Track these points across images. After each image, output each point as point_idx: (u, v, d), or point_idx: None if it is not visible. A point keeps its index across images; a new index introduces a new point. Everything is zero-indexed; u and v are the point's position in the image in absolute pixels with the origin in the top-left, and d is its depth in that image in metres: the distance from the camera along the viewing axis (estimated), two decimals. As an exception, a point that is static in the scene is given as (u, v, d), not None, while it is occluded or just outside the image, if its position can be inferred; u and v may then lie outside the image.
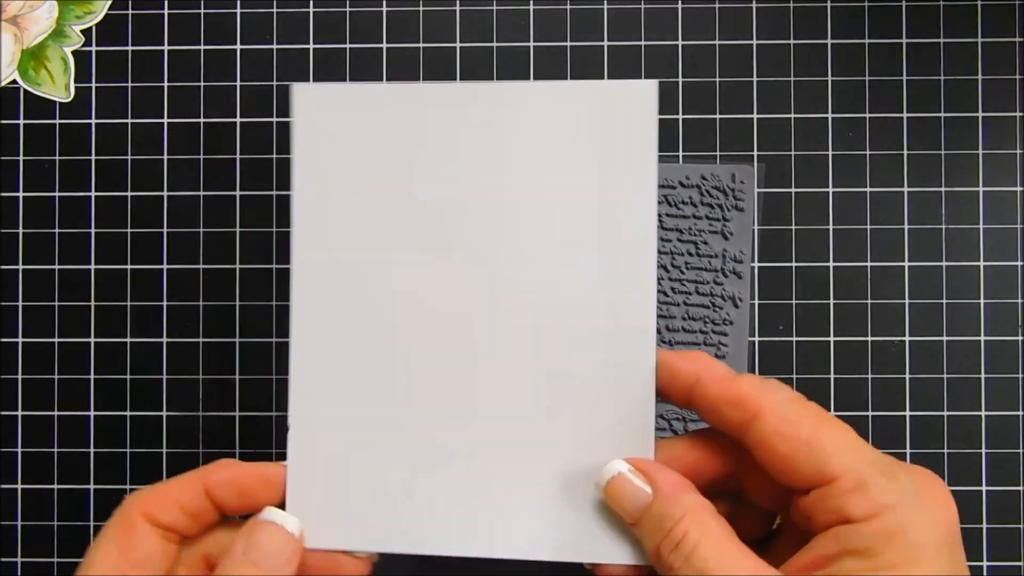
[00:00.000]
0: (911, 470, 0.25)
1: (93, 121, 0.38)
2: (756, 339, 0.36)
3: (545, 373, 0.27)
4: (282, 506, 0.27)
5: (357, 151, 0.28)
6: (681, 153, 0.37)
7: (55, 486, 0.37)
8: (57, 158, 0.38)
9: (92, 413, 0.37)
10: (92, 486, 0.37)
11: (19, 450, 0.38)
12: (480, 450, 0.27)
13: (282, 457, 0.28)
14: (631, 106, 0.27)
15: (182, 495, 0.26)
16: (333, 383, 0.28)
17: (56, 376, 0.38)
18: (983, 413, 0.36)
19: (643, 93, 0.28)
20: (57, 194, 0.38)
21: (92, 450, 0.37)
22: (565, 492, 0.27)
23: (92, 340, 0.37)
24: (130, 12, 0.38)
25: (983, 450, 0.36)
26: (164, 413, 0.37)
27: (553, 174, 0.28)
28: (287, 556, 0.26)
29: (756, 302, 0.37)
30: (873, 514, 0.23)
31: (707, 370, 0.27)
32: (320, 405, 0.28)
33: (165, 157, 0.38)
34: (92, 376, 0.37)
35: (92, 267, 0.37)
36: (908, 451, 0.36)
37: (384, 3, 0.38)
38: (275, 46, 0.38)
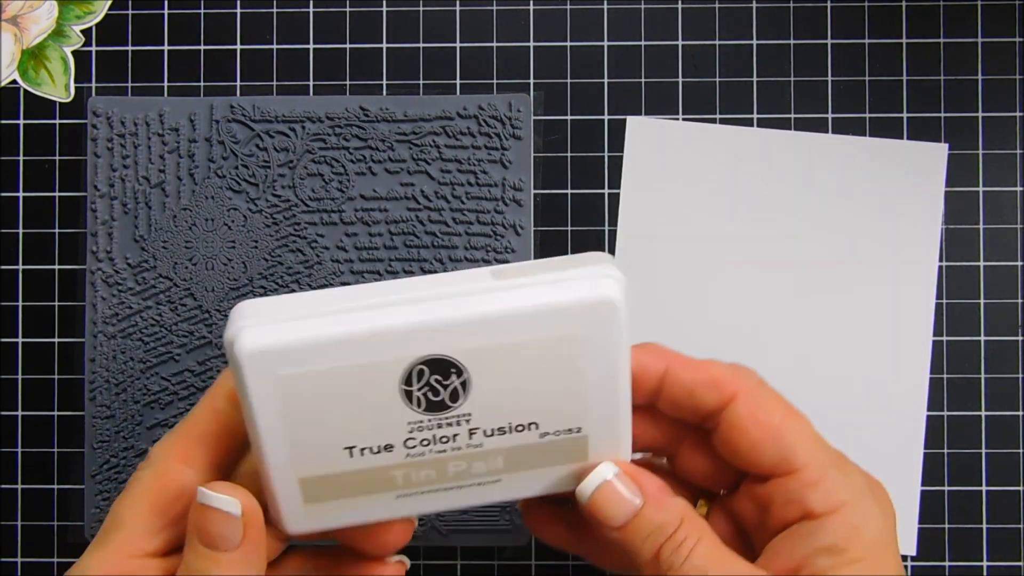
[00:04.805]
0: (858, 468, 0.26)
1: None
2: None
3: None
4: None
5: (679, 182, 0.32)
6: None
7: (55, 486, 0.37)
8: (57, 158, 0.38)
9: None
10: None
11: (19, 450, 0.38)
12: None
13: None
14: (920, 168, 0.28)
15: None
16: None
17: (56, 376, 0.38)
18: (983, 413, 0.36)
19: (935, 154, 0.33)
20: (57, 194, 0.38)
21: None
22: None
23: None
24: (130, 12, 0.38)
25: (983, 450, 0.36)
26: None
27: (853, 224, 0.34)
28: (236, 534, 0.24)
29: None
30: (833, 510, 0.25)
31: (675, 359, 0.27)
32: None
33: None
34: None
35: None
36: (908, 451, 0.36)
37: (384, 3, 0.38)
38: (275, 46, 0.38)
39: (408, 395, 0.24)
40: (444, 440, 0.25)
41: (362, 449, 0.24)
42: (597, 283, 0.24)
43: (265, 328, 0.23)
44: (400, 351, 0.23)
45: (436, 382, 0.24)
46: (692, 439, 0.28)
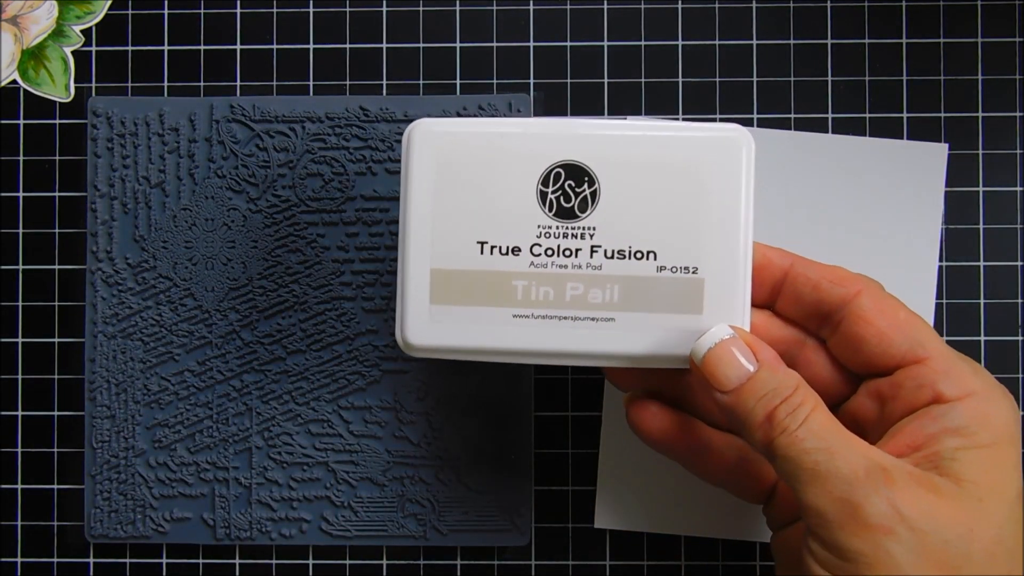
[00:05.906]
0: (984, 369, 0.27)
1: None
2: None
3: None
4: None
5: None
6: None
7: (55, 486, 0.37)
8: (57, 158, 0.38)
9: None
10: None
11: (19, 450, 0.38)
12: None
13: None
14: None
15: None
16: None
17: (56, 376, 0.38)
18: (983, 413, 0.36)
19: (935, 154, 0.34)
20: (57, 194, 0.38)
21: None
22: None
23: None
24: (130, 12, 0.38)
25: (983, 450, 0.36)
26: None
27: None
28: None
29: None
30: (965, 395, 0.25)
31: (800, 257, 0.28)
32: None
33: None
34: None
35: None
36: (908, 451, 0.36)
37: (384, 3, 0.38)
38: (275, 46, 0.38)
39: (543, 196, 0.27)
40: (567, 253, 0.27)
41: (492, 247, 0.27)
42: (730, 127, 0.27)
43: (437, 120, 0.28)
44: (543, 152, 0.27)
45: (570, 187, 0.27)
46: (807, 352, 0.29)
